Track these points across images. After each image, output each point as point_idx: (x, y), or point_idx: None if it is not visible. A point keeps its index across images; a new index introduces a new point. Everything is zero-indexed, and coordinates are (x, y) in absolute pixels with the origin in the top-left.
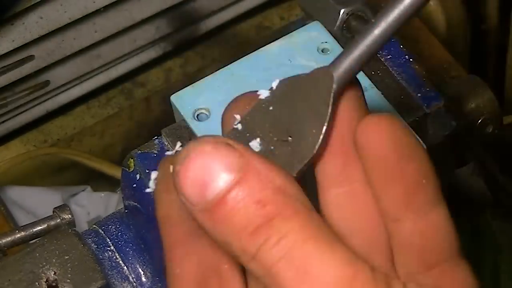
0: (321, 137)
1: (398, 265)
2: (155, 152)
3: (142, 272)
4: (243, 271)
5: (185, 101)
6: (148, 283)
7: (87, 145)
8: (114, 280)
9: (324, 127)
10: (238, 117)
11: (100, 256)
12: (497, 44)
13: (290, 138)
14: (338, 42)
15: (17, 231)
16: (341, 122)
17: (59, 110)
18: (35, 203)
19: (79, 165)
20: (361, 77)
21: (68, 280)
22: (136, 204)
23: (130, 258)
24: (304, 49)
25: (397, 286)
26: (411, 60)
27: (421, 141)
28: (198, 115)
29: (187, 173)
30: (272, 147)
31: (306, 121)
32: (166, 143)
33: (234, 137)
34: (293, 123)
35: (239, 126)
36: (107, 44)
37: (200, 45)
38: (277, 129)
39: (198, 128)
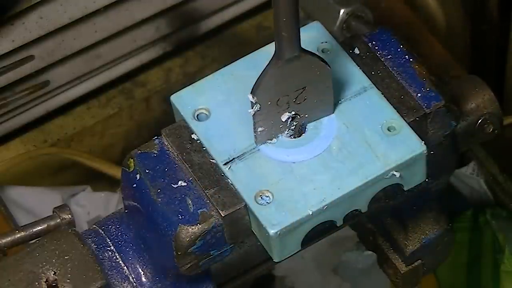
0: None
1: None
2: (155, 152)
3: (142, 272)
4: None
5: (185, 101)
6: (148, 283)
7: (87, 145)
8: (114, 280)
9: None
10: None
11: (100, 256)
12: (497, 44)
13: None
14: (338, 42)
15: (17, 231)
16: None
17: (59, 110)
18: (35, 203)
19: (79, 165)
20: (361, 77)
21: (68, 280)
22: (136, 204)
23: (130, 258)
24: None
25: None
26: (411, 60)
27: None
28: (198, 115)
29: None
30: None
31: None
32: (166, 143)
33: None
34: None
35: None
36: (107, 44)
37: (200, 45)
38: None
39: (198, 128)
